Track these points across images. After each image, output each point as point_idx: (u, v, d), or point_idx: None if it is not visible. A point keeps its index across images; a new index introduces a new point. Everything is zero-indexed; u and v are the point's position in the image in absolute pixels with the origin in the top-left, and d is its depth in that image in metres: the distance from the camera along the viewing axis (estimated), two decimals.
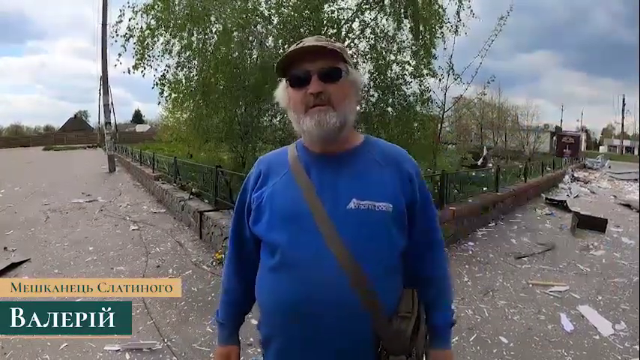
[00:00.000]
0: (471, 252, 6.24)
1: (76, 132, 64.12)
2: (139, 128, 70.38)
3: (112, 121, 20.98)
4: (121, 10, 9.09)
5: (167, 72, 9.22)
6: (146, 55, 8.92)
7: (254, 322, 1.48)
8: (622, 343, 3.66)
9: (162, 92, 9.35)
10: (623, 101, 65.25)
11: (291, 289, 1.21)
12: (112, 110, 20.25)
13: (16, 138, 63.16)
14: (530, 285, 4.96)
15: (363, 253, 1.20)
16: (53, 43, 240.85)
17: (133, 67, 8.96)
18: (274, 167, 1.36)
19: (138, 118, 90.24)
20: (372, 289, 1.20)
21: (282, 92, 1.35)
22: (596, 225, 7.91)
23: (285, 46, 8.21)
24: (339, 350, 1.21)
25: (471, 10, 9.38)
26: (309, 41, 1.28)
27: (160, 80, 9.19)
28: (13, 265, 5.44)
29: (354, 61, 9.41)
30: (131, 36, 8.87)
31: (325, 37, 1.34)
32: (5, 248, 6.22)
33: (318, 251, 1.20)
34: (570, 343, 3.63)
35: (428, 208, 1.40)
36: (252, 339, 3.21)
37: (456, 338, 3.64)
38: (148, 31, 8.75)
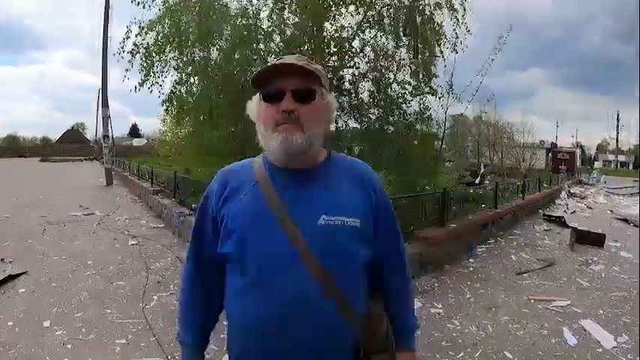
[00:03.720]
0: (471, 269, 6.24)
1: (73, 144, 64.08)
2: (136, 142, 70.34)
3: (110, 135, 20.96)
4: (127, 27, 9.15)
5: (175, 89, 9.25)
6: (152, 72, 8.96)
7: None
8: (625, 355, 3.69)
9: (167, 109, 9.39)
10: (618, 117, 65.87)
11: (268, 306, 1.21)
12: (109, 123, 20.24)
13: (13, 148, 63.03)
14: (532, 300, 4.97)
15: (335, 267, 1.22)
16: (50, 54, 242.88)
17: (139, 84, 9.00)
18: (240, 181, 1.34)
19: (135, 132, 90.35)
20: (347, 300, 1.23)
21: (254, 105, 1.35)
22: (595, 240, 7.96)
23: None
24: (320, 357, 1.23)
25: (467, 28, 9.47)
26: (289, 59, 1.29)
27: (168, 98, 9.23)
28: (11, 277, 5.37)
29: (354, 79, 9.48)
30: (137, 52, 8.92)
31: (306, 57, 1.35)
32: (2, 260, 6.16)
33: (292, 268, 1.20)
34: (574, 357, 3.65)
35: (389, 211, 1.43)
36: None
37: (461, 354, 3.64)
38: (156, 48, 8.80)
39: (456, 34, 9.38)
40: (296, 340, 1.20)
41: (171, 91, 9.38)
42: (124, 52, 9.17)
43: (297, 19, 8.55)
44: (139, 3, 8.81)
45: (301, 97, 1.25)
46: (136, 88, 9.01)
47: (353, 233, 1.26)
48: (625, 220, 11.58)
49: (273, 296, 1.20)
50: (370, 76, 9.40)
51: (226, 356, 3.18)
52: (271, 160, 1.33)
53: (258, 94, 1.32)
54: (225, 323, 1.38)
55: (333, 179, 1.32)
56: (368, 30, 9.31)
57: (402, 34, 9.13)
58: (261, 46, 8.51)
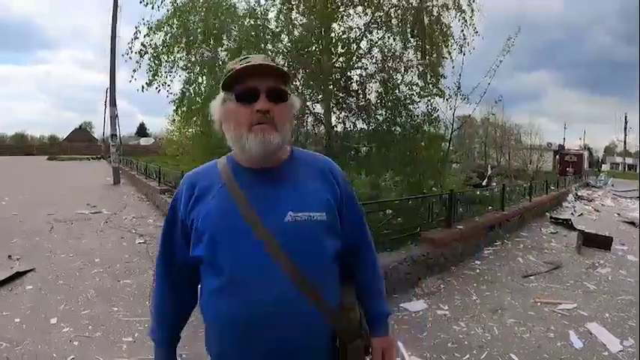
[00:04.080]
0: (478, 271, 6.21)
1: (80, 143, 64.53)
2: (143, 141, 70.74)
3: (117, 134, 21.04)
4: (136, 27, 9.18)
5: (185, 89, 9.28)
6: (159, 72, 8.99)
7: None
8: (630, 359, 3.66)
9: (177, 109, 9.42)
10: (625, 119, 65.37)
11: (243, 307, 1.22)
12: (117, 122, 20.32)
13: (21, 146, 63.56)
14: (539, 303, 4.95)
15: (306, 263, 1.23)
16: (58, 53, 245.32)
17: (146, 83, 9.03)
18: (207, 183, 1.36)
19: (142, 131, 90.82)
20: (320, 294, 1.25)
21: (219, 105, 1.35)
22: (602, 243, 7.92)
23: (295, 64, 8.32)
24: (299, 354, 1.25)
25: (475, 29, 9.43)
26: (257, 59, 1.30)
27: (179, 99, 9.25)
28: (19, 274, 5.42)
29: (361, 80, 9.48)
30: (146, 52, 8.94)
31: (270, 58, 1.37)
32: (10, 257, 6.22)
33: (264, 267, 1.22)
34: None
35: (354, 203, 1.45)
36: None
37: (467, 356, 3.63)
38: (164, 48, 8.83)
39: (464, 35, 9.36)
40: (273, 339, 1.22)
41: (182, 91, 9.43)
42: (132, 52, 9.22)
43: (304, 20, 8.56)
44: (147, 3, 8.84)
45: (275, 96, 1.27)
46: (143, 88, 9.05)
47: (320, 227, 1.28)
48: (632, 223, 11.50)
49: (247, 296, 1.22)
50: (378, 77, 9.39)
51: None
52: (240, 159, 1.35)
53: (223, 94, 1.33)
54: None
55: (297, 175, 1.34)
56: (376, 31, 9.30)
57: (409, 35, 9.11)
58: (269, 46, 8.53)
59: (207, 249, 1.28)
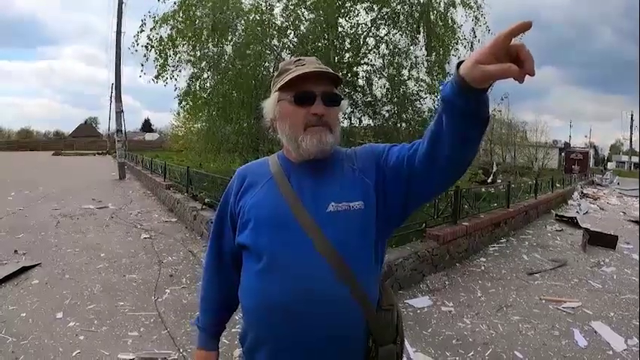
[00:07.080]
0: (483, 268, 6.20)
1: (85, 138, 64.73)
2: (148, 137, 70.89)
3: (123, 129, 21.07)
4: (142, 21, 9.21)
5: (192, 83, 9.30)
6: (166, 65, 9.02)
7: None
8: (635, 358, 3.66)
9: (180, 102, 9.45)
10: (632, 117, 64.91)
11: (283, 289, 1.23)
12: (122, 118, 20.35)
13: (26, 142, 63.78)
14: (543, 301, 4.94)
15: (347, 250, 1.25)
16: (63, 49, 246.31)
17: (155, 77, 9.05)
18: (256, 176, 1.42)
19: (147, 126, 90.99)
20: (358, 284, 1.25)
21: (272, 104, 1.40)
22: (607, 241, 7.89)
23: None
24: (333, 345, 1.24)
25: (487, 27, 9.39)
26: (311, 62, 1.35)
27: (184, 93, 9.29)
28: (24, 269, 5.44)
29: (368, 76, 9.48)
30: (152, 46, 8.96)
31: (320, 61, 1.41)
32: (16, 251, 6.25)
33: (307, 252, 1.24)
34: (584, 359, 3.62)
35: (383, 152, 1.39)
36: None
37: (472, 353, 3.63)
38: (169, 42, 8.85)
39: (475, 33, 9.36)
40: (307, 322, 1.23)
41: (188, 85, 9.46)
42: (137, 45, 9.26)
43: (312, 15, 8.54)
44: None
45: (329, 101, 1.32)
46: (153, 80, 9.11)
47: (359, 216, 1.30)
48: (637, 222, 11.44)
49: (285, 278, 1.24)
50: (385, 73, 9.38)
51: (237, 350, 3.20)
52: (288, 156, 1.41)
53: (278, 93, 1.36)
54: (237, 317, 1.41)
55: (339, 169, 1.37)
56: (382, 26, 9.29)
57: (416, 31, 9.10)
58: (275, 41, 8.52)
59: (251, 235, 1.32)
